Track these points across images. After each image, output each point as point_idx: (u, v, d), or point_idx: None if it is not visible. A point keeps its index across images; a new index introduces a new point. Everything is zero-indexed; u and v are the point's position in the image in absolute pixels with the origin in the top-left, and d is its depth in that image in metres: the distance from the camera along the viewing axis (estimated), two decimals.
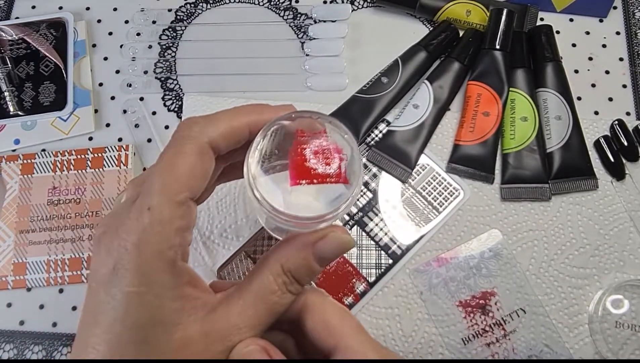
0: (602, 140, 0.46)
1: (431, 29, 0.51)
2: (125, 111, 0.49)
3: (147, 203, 0.23)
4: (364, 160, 0.46)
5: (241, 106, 0.26)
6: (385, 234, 0.44)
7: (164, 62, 0.51)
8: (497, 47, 0.46)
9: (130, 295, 0.22)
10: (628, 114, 0.48)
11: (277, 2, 0.53)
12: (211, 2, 0.53)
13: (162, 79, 0.50)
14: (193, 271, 0.25)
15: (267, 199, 0.24)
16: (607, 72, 0.49)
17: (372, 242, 0.44)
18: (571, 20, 0.51)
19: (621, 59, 0.50)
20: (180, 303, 0.23)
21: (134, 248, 0.22)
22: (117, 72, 0.51)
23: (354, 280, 0.43)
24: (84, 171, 0.46)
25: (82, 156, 0.47)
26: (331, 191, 0.24)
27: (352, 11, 0.52)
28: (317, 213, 0.24)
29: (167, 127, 0.48)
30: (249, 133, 0.26)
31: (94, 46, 0.52)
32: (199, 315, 0.23)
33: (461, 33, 0.49)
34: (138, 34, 0.52)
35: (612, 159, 0.45)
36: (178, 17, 0.53)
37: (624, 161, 0.45)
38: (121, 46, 0.51)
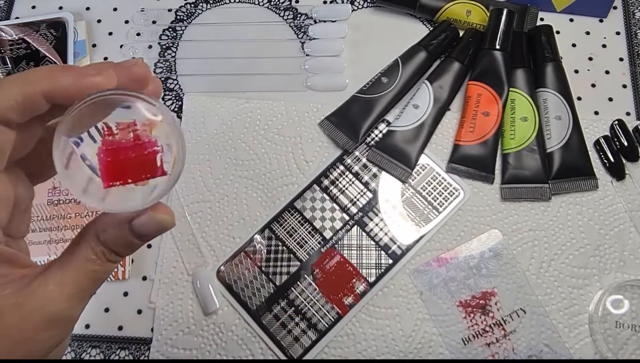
0: (602, 140, 0.46)
1: (431, 29, 0.51)
2: None
3: None
4: (364, 160, 0.46)
5: (34, 70, 0.24)
6: (385, 234, 0.44)
7: (164, 62, 0.51)
8: (497, 47, 0.46)
9: None
10: (628, 114, 0.48)
11: (277, 2, 0.53)
12: (211, 2, 0.53)
13: (162, 79, 0.50)
14: (6, 249, 0.25)
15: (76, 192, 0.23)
16: (607, 72, 0.49)
17: (372, 242, 0.44)
18: (571, 20, 0.51)
19: (621, 59, 0.50)
20: None
21: None
22: None
23: (354, 280, 0.43)
24: None
25: None
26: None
27: (352, 11, 0.52)
28: (134, 207, 0.23)
29: None
30: (47, 102, 0.23)
31: (94, 45, 0.52)
32: (14, 289, 0.23)
33: (461, 33, 0.49)
34: (138, 34, 0.52)
35: (612, 159, 0.45)
36: (178, 17, 0.53)
37: (624, 161, 0.45)
38: (121, 46, 0.51)
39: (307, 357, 0.41)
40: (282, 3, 0.53)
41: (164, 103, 0.49)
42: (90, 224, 0.25)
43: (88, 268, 0.24)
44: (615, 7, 0.51)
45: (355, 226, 0.44)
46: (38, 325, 0.23)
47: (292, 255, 0.44)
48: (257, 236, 0.44)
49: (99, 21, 0.53)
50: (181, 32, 0.52)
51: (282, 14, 0.52)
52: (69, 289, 0.24)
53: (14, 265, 0.25)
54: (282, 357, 0.41)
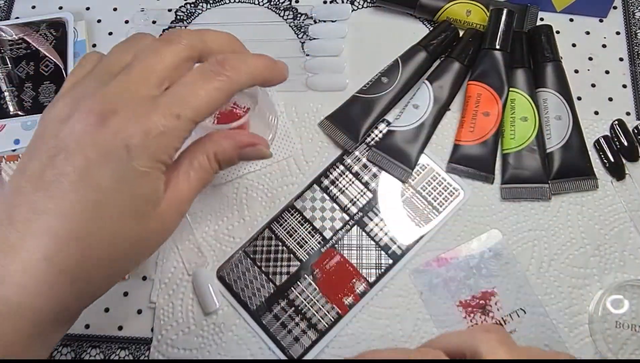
0: (602, 140, 0.46)
1: (431, 29, 0.51)
2: None
3: (175, 112, 0.27)
4: (364, 160, 0.46)
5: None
6: (385, 234, 0.44)
7: None
8: (497, 47, 0.46)
9: (144, 173, 0.27)
10: (628, 114, 0.48)
11: (277, 2, 0.53)
12: (211, 2, 0.53)
13: None
14: None
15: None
16: (607, 72, 0.49)
17: (372, 242, 0.44)
18: (571, 20, 0.51)
19: (621, 59, 0.50)
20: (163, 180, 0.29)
21: (146, 137, 0.27)
22: None
23: (354, 280, 0.43)
24: None
25: None
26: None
27: (352, 11, 0.52)
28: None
29: None
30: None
31: (94, 45, 0.52)
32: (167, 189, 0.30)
33: (461, 33, 0.49)
34: None
35: (612, 159, 0.45)
36: (178, 17, 0.53)
37: (624, 161, 0.45)
38: None
39: (307, 357, 0.41)
40: (282, 3, 0.53)
41: None
42: (208, 141, 0.32)
43: (201, 175, 0.31)
44: (615, 7, 0.51)
45: (355, 226, 0.44)
46: (175, 218, 0.30)
47: (292, 255, 0.44)
48: None
49: (99, 21, 0.53)
50: None
51: (282, 14, 0.52)
52: (193, 192, 0.30)
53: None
54: (282, 357, 0.41)
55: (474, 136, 0.45)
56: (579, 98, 0.48)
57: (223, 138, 0.32)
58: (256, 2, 0.53)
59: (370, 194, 0.45)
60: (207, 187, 0.33)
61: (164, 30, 0.52)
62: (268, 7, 0.53)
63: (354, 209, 0.45)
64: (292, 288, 0.43)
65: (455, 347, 0.26)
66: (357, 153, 0.46)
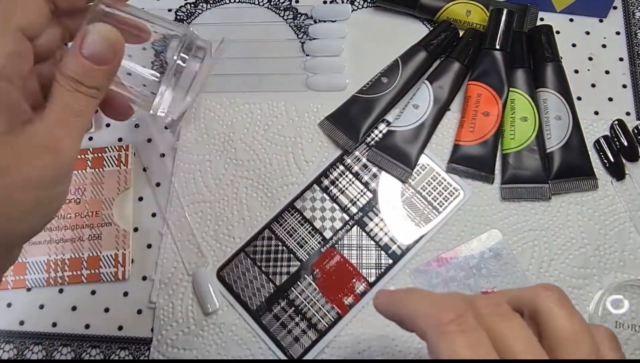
0: (602, 140, 0.46)
1: (431, 29, 0.51)
2: None
3: None
4: (364, 160, 0.46)
5: None
6: (385, 234, 0.44)
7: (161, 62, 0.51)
8: (497, 47, 0.46)
9: None
10: (628, 114, 0.48)
11: (277, 2, 0.53)
12: (211, 2, 0.53)
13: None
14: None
15: None
16: (607, 72, 0.49)
17: (372, 242, 0.44)
18: (571, 20, 0.51)
19: (621, 59, 0.50)
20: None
21: None
22: None
23: (354, 280, 0.43)
24: (83, 171, 0.46)
25: (82, 156, 0.47)
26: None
27: (352, 11, 0.52)
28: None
29: (167, 127, 0.48)
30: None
31: None
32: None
33: (461, 33, 0.50)
34: None
35: (612, 159, 0.45)
36: (178, 17, 0.53)
37: (624, 161, 0.45)
38: None
39: (307, 357, 0.41)
40: (282, 3, 0.53)
41: None
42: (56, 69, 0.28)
43: (67, 102, 0.27)
44: (615, 7, 0.51)
45: (355, 226, 0.44)
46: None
47: (292, 255, 0.44)
48: None
49: None
50: None
51: (282, 14, 0.52)
52: (65, 127, 0.27)
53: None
54: (282, 357, 0.41)
55: (474, 136, 0.45)
56: (579, 98, 0.48)
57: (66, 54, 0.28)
58: (256, 2, 0.53)
59: (370, 194, 0.45)
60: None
61: None
62: (268, 7, 0.53)
63: (354, 209, 0.45)
64: (292, 288, 0.43)
65: (516, 300, 0.24)
66: (357, 153, 0.46)
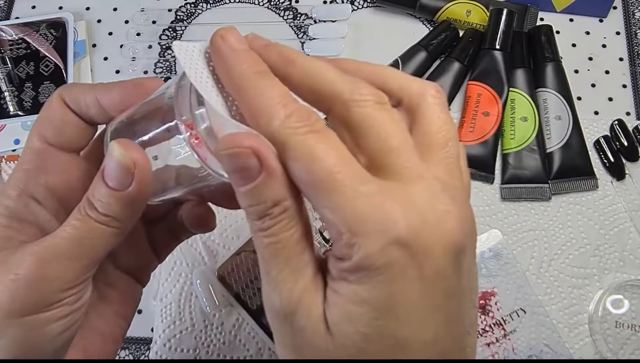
0: (602, 140, 0.46)
1: (431, 29, 0.51)
2: None
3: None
4: None
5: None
6: None
7: (164, 62, 0.51)
8: (497, 47, 0.46)
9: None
10: (628, 114, 0.48)
11: (277, 2, 0.53)
12: (211, 2, 0.53)
13: (163, 79, 0.50)
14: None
15: None
16: (607, 72, 0.49)
17: None
18: (571, 20, 0.51)
19: (621, 59, 0.50)
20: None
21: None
22: (117, 72, 0.51)
23: None
24: None
25: None
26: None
27: (352, 11, 0.52)
28: None
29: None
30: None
31: (94, 45, 0.52)
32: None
33: (461, 33, 0.49)
34: (138, 34, 0.52)
35: (612, 159, 0.45)
36: (178, 17, 0.53)
37: (624, 161, 0.45)
38: (121, 46, 0.51)
39: None
40: (282, 3, 0.53)
41: None
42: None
43: (74, 234, 0.23)
44: (615, 7, 0.51)
45: None
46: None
47: None
48: None
49: (99, 21, 0.53)
50: (181, 32, 0.52)
51: (282, 14, 0.52)
52: (73, 264, 0.22)
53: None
54: None
55: (474, 136, 0.45)
56: (579, 98, 0.48)
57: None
58: (256, 2, 0.53)
59: None
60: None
61: (164, 30, 0.52)
62: (268, 7, 0.53)
63: None
64: None
65: (396, 88, 0.22)
66: None
